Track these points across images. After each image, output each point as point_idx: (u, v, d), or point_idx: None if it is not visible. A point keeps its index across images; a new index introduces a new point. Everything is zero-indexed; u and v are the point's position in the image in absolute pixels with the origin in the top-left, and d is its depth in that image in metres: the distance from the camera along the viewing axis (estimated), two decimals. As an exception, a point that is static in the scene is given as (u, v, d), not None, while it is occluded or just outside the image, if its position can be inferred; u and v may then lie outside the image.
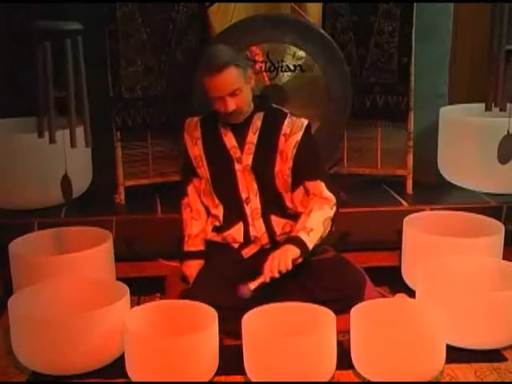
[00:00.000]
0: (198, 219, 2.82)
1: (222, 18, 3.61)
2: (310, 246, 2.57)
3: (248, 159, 2.71)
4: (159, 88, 3.51)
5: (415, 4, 3.43)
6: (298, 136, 2.68)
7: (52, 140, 2.56)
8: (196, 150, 2.77)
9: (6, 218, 3.30)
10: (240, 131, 2.71)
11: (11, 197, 3.36)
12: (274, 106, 2.79)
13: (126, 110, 3.46)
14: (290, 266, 2.50)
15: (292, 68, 3.40)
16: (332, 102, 3.42)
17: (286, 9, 3.65)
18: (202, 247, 2.80)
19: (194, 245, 2.79)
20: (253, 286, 2.45)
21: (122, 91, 3.43)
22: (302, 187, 2.74)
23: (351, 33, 3.56)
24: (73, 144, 2.61)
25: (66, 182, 2.78)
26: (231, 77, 2.54)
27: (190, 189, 2.83)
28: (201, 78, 2.63)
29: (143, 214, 3.38)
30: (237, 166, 2.72)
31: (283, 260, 2.50)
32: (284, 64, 3.39)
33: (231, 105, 2.57)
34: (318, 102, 3.39)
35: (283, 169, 2.72)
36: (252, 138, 2.71)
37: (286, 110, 2.77)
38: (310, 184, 2.69)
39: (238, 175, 2.73)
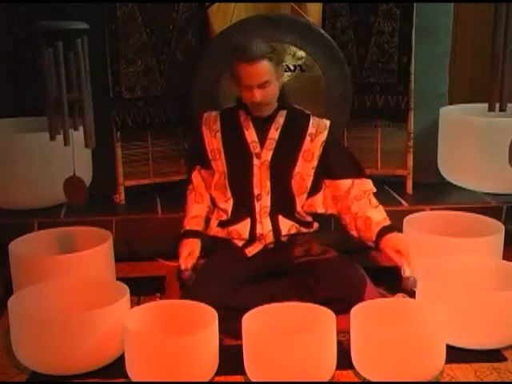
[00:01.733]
0: (200, 202, 2.85)
1: (221, 18, 3.61)
2: None
3: (268, 155, 2.74)
4: (159, 88, 3.52)
5: (415, 4, 3.43)
6: (324, 136, 2.77)
7: (67, 142, 2.54)
8: (214, 142, 2.79)
9: (6, 218, 3.30)
10: (262, 127, 2.75)
11: (11, 197, 3.36)
12: (295, 106, 2.82)
13: (126, 109, 3.46)
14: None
15: (292, 68, 3.40)
16: (332, 102, 3.42)
17: (286, 9, 3.65)
18: (198, 227, 2.80)
19: (189, 224, 2.80)
20: (408, 272, 2.50)
21: (122, 91, 3.43)
22: (324, 189, 2.78)
23: (351, 33, 3.56)
24: (88, 144, 2.60)
25: (76, 185, 2.75)
26: (263, 68, 2.61)
27: (195, 175, 2.86)
28: (231, 69, 2.68)
29: (143, 213, 3.39)
30: (255, 161, 2.75)
31: (407, 242, 2.61)
32: (284, 64, 3.38)
33: (258, 95, 2.62)
34: (318, 101, 3.39)
35: (305, 169, 2.76)
36: (274, 134, 2.75)
37: (307, 111, 2.84)
38: (346, 182, 2.76)
39: (255, 171, 2.75)
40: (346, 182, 2.77)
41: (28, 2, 3.54)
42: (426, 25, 3.58)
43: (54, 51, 2.46)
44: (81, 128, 2.62)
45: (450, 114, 3.72)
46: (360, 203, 2.72)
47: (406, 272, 2.50)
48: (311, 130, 2.78)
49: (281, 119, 2.77)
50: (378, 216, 2.69)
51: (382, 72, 3.54)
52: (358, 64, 3.58)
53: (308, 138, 2.77)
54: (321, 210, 2.82)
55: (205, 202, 2.85)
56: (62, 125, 2.53)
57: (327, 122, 2.82)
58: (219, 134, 2.79)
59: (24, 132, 3.42)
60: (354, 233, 2.76)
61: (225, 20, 3.58)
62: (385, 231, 2.63)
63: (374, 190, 2.79)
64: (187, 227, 2.80)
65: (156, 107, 3.53)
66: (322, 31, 3.44)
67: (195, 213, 2.83)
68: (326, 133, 2.78)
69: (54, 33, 2.46)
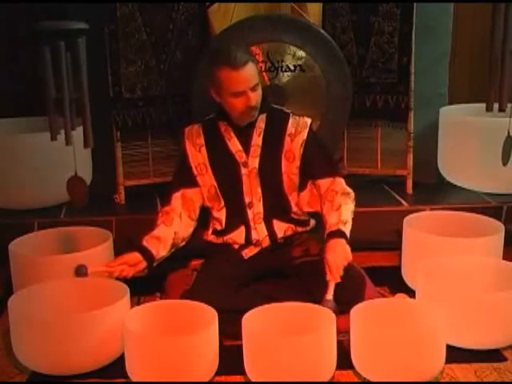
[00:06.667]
0: (168, 226, 2.68)
1: (221, 18, 3.62)
2: (348, 236, 2.55)
3: (254, 162, 2.72)
4: (159, 88, 3.52)
5: (415, 4, 3.43)
6: (304, 135, 2.72)
7: (68, 142, 2.54)
8: (199, 157, 2.75)
9: (5, 217, 3.30)
10: (244, 135, 2.72)
11: (11, 197, 3.36)
12: (274, 106, 2.80)
13: (126, 109, 3.46)
14: (350, 257, 2.49)
15: (292, 68, 3.40)
16: (332, 102, 3.42)
17: (285, 9, 3.66)
18: (153, 249, 2.60)
19: (147, 242, 2.61)
20: (329, 295, 2.42)
21: (122, 91, 3.43)
22: (309, 187, 2.76)
23: (351, 33, 3.56)
24: (87, 144, 2.60)
25: (77, 185, 2.73)
26: (252, 71, 2.58)
27: (175, 197, 2.75)
28: (211, 76, 2.61)
29: (143, 213, 3.38)
30: (243, 171, 2.72)
31: (342, 254, 2.48)
32: (284, 64, 3.39)
33: (253, 99, 2.59)
34: (318, 101, 3.40)
35: (290, 168, 2.73)
36: (257, 140, 2.72)
37: (287, 110, 2.80)
38: (325, 181, 2.70)
39: (244, 179, 2.72)
40: (323, 182, 2.71)
41: (28, 2, 3.54)
42: (426, 25, 3.58)
43: (54, 51, 2.46)
44: (80, 128, 2.63)
45: (449, 113, 3.72)
46: (326, 205, 2.66)
47: (328, 295, 2.41)
48: (290, 129, 2.72)
49: (262, 123, 2.72)
50: (332, 219, 2.58)
51: (382, 72, 3.54)
52: (358, 64, 3.58)
53: (288, 139, 2.72)
54: (306, 209, 2.80)
55: (172, 227, 2.67)
56: (63, 125, 2.53)
57: (308, 121, 2.76)
58: (204, 149, 2.74)
59: (24, 132, 3.42)
60: None
61: (225, 20, 3.59)
62: (330, 236, 2.54)
63: (347, 189, 2.68)
64: (144, 243, 2.60)
65: (156, 107, 3.53)
66: (322, 31, 3.44)
67: (158, 233, 2.64)
68: (306, 132, 2.72)
69: (55, 33, 2.46)
